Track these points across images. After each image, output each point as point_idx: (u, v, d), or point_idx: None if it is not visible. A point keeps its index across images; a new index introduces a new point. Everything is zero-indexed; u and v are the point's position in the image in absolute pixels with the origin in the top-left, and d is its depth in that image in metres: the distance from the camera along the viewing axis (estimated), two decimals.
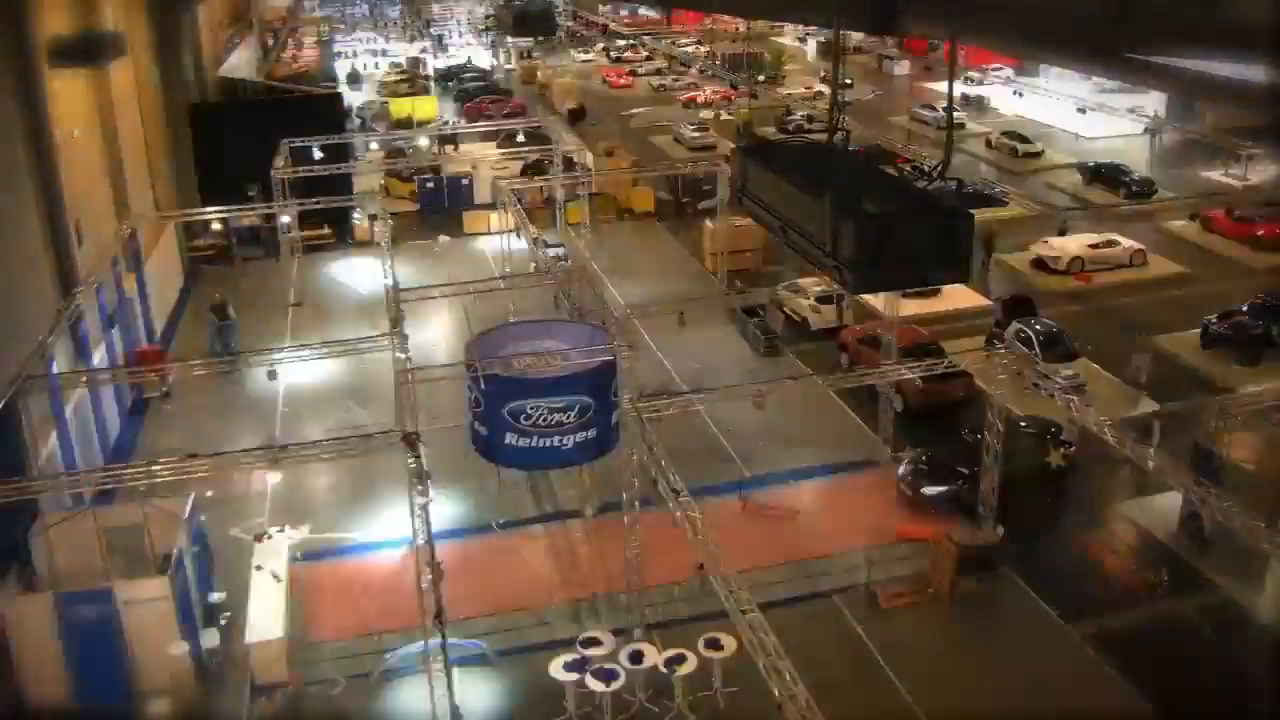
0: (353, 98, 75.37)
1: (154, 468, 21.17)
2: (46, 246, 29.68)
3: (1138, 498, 27.77)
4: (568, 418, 23.87)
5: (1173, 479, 20.78)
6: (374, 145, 59.95)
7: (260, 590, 23.67)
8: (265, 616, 22.81)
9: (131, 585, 21.86)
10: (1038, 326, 35.14)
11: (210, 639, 22.93)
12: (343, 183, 48.34)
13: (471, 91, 78.19)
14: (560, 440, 24.24)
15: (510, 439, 24.28)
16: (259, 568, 24.20)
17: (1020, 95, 74.69)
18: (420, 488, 19.83)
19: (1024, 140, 62.88)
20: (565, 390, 23.90)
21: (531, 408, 23.63)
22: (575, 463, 25.82)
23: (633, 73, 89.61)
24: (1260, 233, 46.24)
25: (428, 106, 70.62)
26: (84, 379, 27.94)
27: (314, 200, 41.65)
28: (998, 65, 79.63)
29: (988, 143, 64.07)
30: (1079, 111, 67.89)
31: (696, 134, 65.06)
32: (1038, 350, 33.03)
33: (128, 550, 24.07)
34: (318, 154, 46.34)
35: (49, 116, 29.79)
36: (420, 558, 19.24)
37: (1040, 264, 44.39)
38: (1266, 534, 18.39)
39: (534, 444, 24.22)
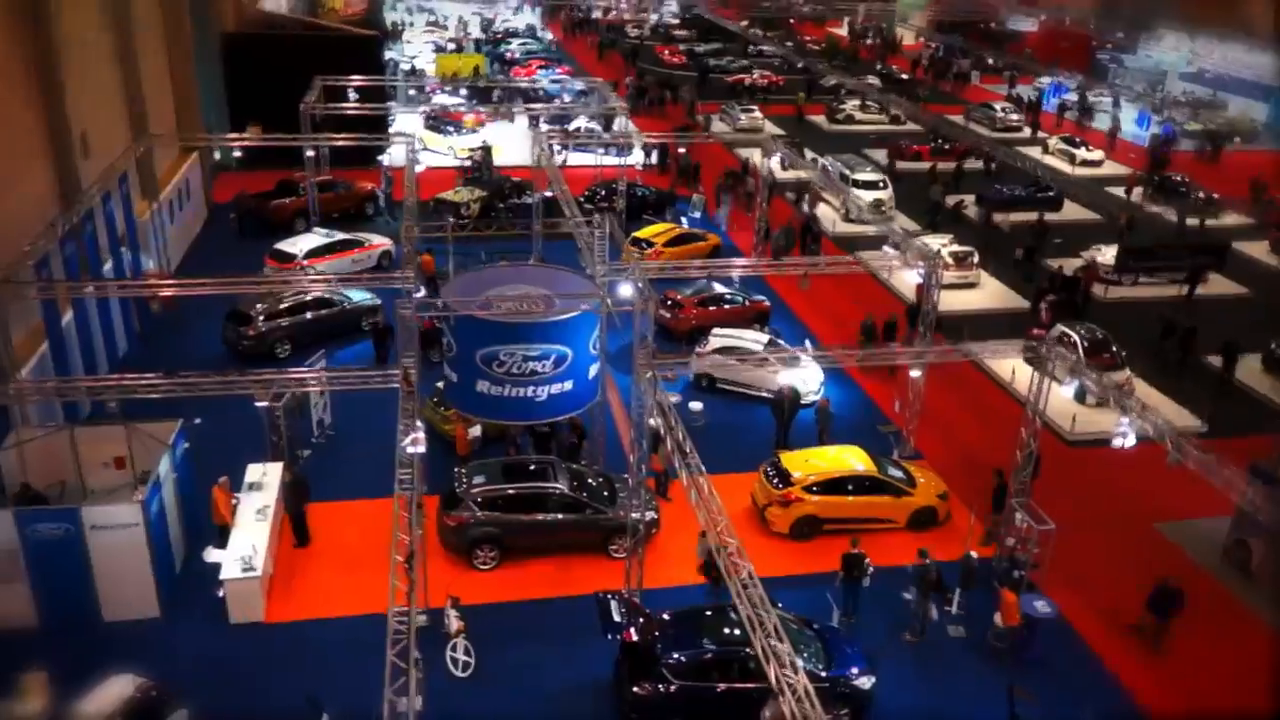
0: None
1: (138, 382, 19.94)
2: (45, 149, 28.40)
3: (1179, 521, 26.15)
4: (541, 367, 22.32)
5: (1236, 493, 18.84)
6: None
7: (243, 524, 22.53)
8: (245, 553, 21.59)
9: (100, 509, 20.59)
10: (1082, 331, 33.26)
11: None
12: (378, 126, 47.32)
13: (521, 57, 76.92)
14: (535, 391, 22.69)
15: (482, 387, 22.77)
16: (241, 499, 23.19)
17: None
18: (414, 433, 18.50)
19: (1084, 146, 60.85)
20: (538, 336, 22.43)
21: (505, 354, 22.09)
22: (550, 417, 24.42)
23: (688, 52, 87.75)
24: None
25: (473, 64, 69.36)
26: (74, 290, 26.50)
27: (343, 137, 40.19)
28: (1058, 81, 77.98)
29: (1044, 148, 62.02)
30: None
31: (744, 116, 63.46)
32: (1081, 356, 30.97)
33: (107, 473, 23.06)
34: (353, 95, 45.15)
35: (49, 7, 28.29)
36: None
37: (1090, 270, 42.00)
38: None
39: (506, 394, 22.70)
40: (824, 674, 19.03)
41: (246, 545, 21.77)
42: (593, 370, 23.65)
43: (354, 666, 19.72)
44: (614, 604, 19.42)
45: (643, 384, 19.76)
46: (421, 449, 18.46)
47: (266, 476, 24.14)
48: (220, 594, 21.31)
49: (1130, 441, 20.97)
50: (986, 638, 21.81)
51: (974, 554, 22.99)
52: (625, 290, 24.42)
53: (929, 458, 28.39)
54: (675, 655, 19.01)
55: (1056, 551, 23.24)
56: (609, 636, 19.23)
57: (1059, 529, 23.11)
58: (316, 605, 22.06)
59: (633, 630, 18.95)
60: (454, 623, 20.24)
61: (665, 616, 19.98)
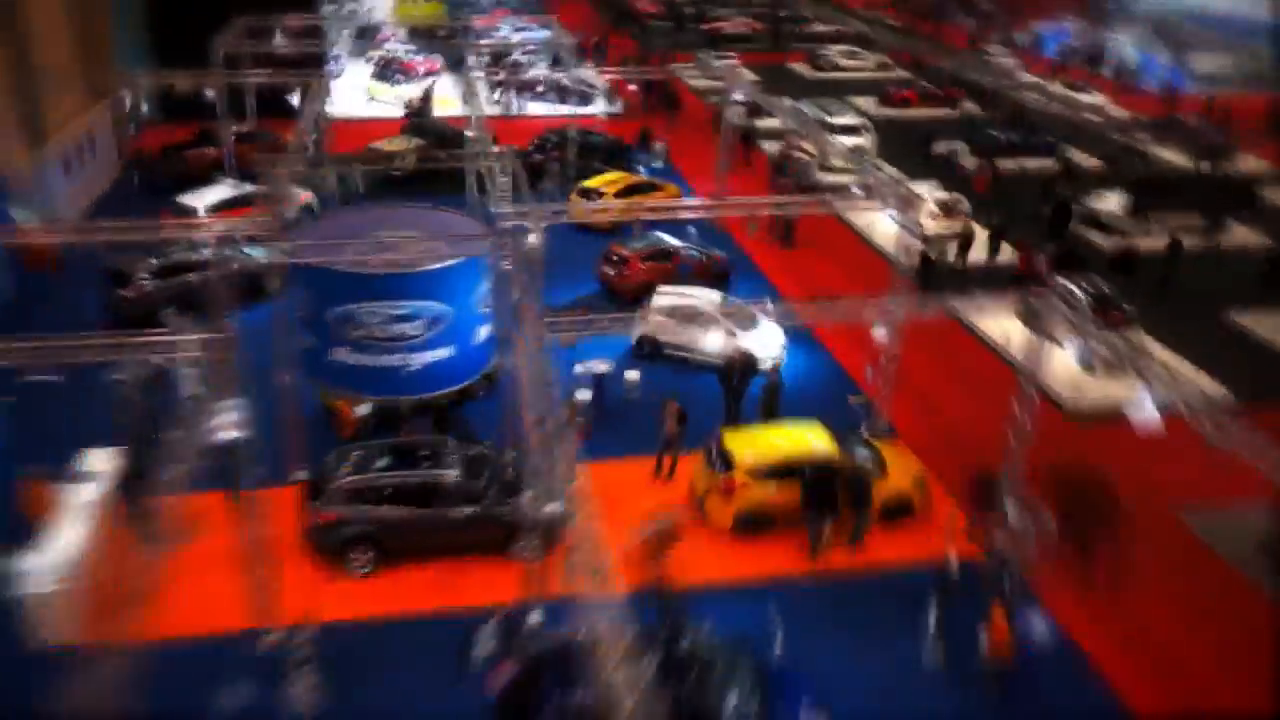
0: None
1: None
2: None
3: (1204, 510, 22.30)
4: (412, 330, 18.25)
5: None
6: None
7: (64, 523, 18.50)
8: (56, 560, 17.61)
9: None
10: (1085, 284, 29.40)
11: None
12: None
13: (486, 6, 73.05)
14: (405, 359, 18.61)
15: (340, 354, 18.70)
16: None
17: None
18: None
19: (1087, 90, 57.02)
20: (405, 291, 18.34)
21: (364, 313, 18.02)
22: (426, 392, 20.25)
23: (666, 2, 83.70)
24: None
25: (433, 10, 65.38)
26: None
27: (264, 71, 36.03)
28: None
29: (1044, 94, 57.88)
30: None
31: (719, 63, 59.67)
32: (1086, 311, 27.28)
33: None
34: (279, 38, 40.95)
35: None
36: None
37: (1093, 220, 38.59)
38: None
39: (369, 362, 18.66)
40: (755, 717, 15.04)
41: (61, 549, 17.82)
42: (482, 333, 19.50)
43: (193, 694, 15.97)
44: (485, 629, 15.30)
45: (526, 340, 15.64)
46: (233, 435, 14.46)
47: (104, 464, 20.15)
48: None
49: (1151, 416, 16.84)
50: (974, 664, 17.68)
51: (953, 556, 18.89)
52: (533, 239, 20.29)
53: (905, 435, 24.40)
54: (559, 698, 14.83)
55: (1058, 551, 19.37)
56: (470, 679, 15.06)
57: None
58: (157, 621, 18.08)
59: (505, 668, 14.78)
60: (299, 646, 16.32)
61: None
